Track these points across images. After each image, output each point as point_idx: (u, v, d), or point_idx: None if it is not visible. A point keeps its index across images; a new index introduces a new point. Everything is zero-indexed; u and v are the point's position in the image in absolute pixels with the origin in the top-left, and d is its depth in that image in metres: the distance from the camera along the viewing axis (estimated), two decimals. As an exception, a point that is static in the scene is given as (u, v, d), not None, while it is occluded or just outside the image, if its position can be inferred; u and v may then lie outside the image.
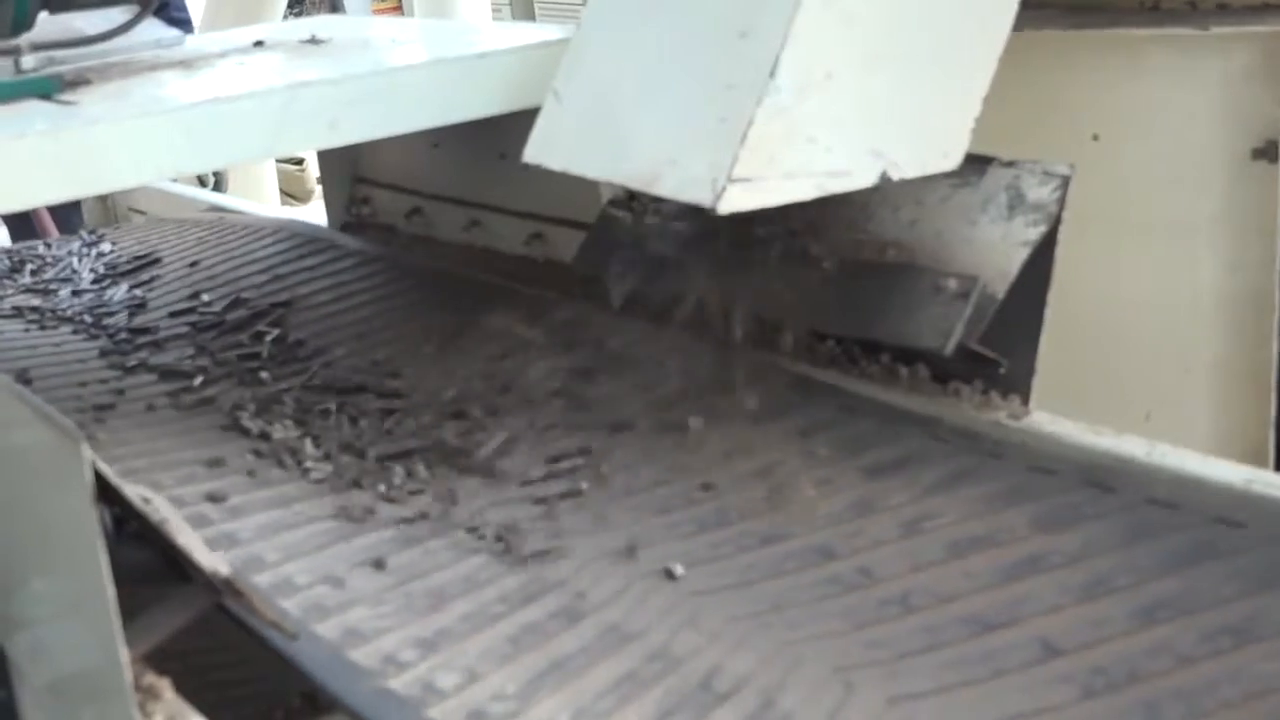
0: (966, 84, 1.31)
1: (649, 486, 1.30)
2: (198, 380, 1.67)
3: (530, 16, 6.90)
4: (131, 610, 0.88)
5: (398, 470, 1.37)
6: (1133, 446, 1.21)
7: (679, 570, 1.14)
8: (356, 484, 1.35)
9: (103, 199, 2.93)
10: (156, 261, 2.23)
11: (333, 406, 1.54)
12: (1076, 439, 1.24)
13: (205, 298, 2.00)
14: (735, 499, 1.26)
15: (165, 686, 0.91)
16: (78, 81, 1.65)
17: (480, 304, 1.75)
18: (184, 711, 0.90)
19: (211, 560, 0.93)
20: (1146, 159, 1.70)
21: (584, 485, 1.31)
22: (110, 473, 0.89)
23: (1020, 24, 1.32)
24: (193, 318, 1.93)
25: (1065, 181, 1.30)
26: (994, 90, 1.31)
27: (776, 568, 1.14)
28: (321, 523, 1.27)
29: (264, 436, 1.48)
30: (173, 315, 1.96)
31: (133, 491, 0.94)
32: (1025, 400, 1.31)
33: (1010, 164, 1.34)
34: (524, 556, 1.19)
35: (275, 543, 1.23)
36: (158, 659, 0.93)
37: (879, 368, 1.40)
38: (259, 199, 3.87)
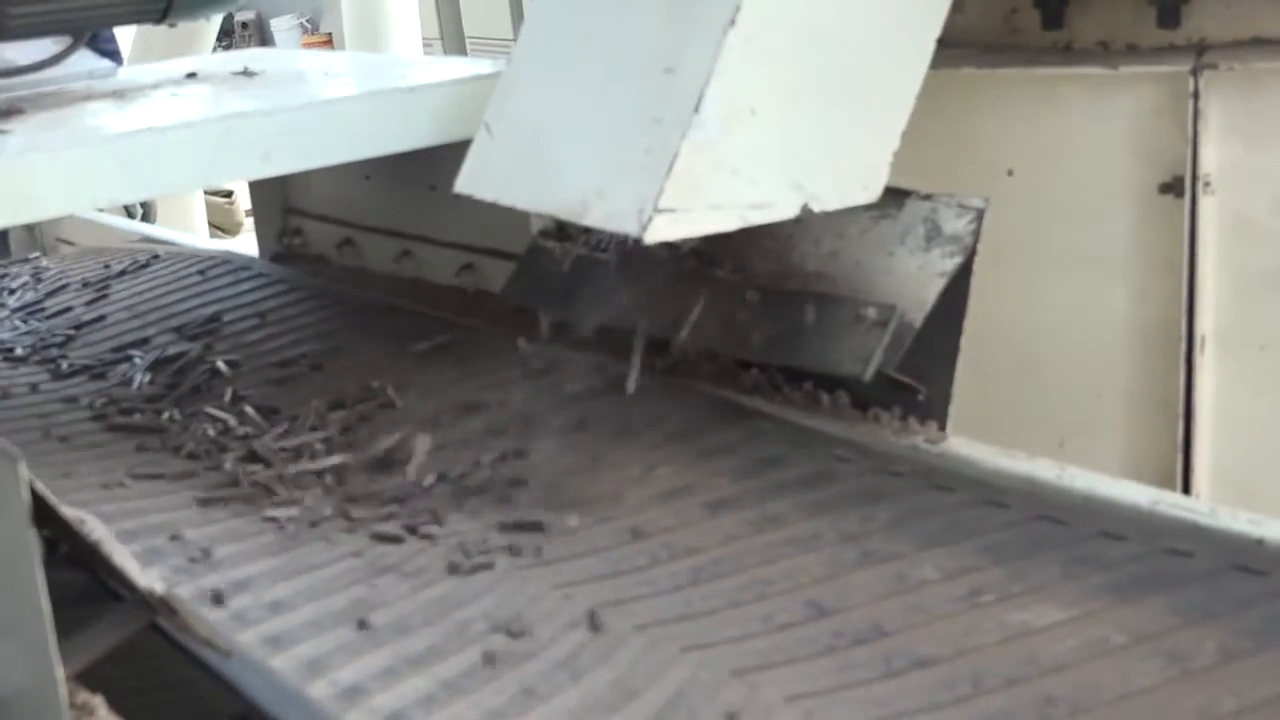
0: (886, 120, 1.36)
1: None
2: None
3: (462, 52, 6.93)
4: (64, 630, 0.89)
5: None
6: (1044, 470, 1.25)
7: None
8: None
9: (30, 228, 2.91)
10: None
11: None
12: (990, 462, 1.28)
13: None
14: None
15: (99, 704, 0.92)
16: (10, 111, 1.67)
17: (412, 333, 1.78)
18: (118, 728, 0.91)
19: (146, 579, 0.95)
20: (1058, 193, 1.75)
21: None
22: (47, 493, 0.91)
23: (937, 62, 1.37)
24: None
25: (980, 214, 1.34)
26: (912, 126, 1.35)
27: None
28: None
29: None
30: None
31: (68, 512, 0.95)
32: (942, 426, 1.34)
33: (927, 197, 1.38)
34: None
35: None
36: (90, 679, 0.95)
37: (801, 394, 1.44)
38: (188, 231, 3.86)
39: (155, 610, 0.95)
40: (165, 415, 1.62)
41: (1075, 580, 1.07)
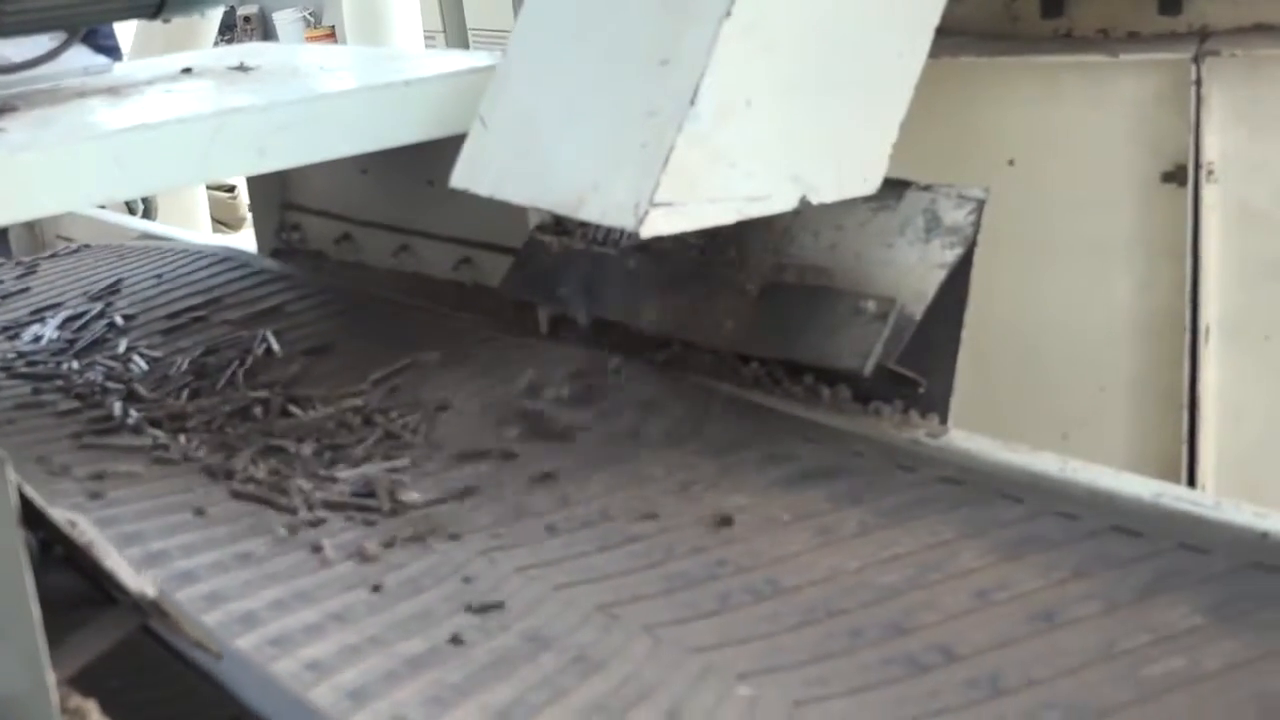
0: (884, 110, 1.34)
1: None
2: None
3: (465, 44, 6.92)
4: (57, 634, 0.89)
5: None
6: (1046, 462, 1.24)
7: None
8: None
9: (30, 226, 2.90)
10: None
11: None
12: (992, 455, 1.27)
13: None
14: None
15: (92, 708, 0.91)
16: (4, 108, 1.66)
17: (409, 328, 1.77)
18: (111, 732, 0.91)
19: (138, 581, 0.94)
20: (1060, 183, 1.74)
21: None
22: (36, 496, 0.90)
23: (937, 51, 1.36)
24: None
25: (980, 204, 1.33)
26: (911, 116, 1.34)
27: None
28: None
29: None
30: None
31: (58, 514, 0.94)
32: (943, 419, 1.33)
33: (927, 188, 1.37)
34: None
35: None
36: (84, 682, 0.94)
37: (802, 388, 1.43)
38: (191, 226, 3.86)
39: (147, 613, 0.95)
40: (64, 365, 1.79)
41: (765, 474, 1.30)
